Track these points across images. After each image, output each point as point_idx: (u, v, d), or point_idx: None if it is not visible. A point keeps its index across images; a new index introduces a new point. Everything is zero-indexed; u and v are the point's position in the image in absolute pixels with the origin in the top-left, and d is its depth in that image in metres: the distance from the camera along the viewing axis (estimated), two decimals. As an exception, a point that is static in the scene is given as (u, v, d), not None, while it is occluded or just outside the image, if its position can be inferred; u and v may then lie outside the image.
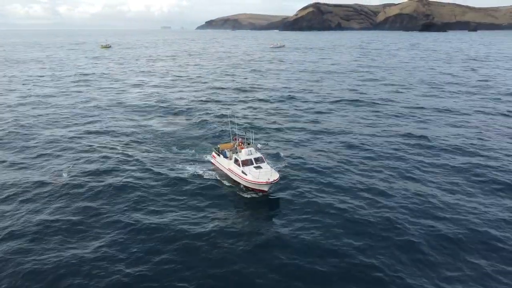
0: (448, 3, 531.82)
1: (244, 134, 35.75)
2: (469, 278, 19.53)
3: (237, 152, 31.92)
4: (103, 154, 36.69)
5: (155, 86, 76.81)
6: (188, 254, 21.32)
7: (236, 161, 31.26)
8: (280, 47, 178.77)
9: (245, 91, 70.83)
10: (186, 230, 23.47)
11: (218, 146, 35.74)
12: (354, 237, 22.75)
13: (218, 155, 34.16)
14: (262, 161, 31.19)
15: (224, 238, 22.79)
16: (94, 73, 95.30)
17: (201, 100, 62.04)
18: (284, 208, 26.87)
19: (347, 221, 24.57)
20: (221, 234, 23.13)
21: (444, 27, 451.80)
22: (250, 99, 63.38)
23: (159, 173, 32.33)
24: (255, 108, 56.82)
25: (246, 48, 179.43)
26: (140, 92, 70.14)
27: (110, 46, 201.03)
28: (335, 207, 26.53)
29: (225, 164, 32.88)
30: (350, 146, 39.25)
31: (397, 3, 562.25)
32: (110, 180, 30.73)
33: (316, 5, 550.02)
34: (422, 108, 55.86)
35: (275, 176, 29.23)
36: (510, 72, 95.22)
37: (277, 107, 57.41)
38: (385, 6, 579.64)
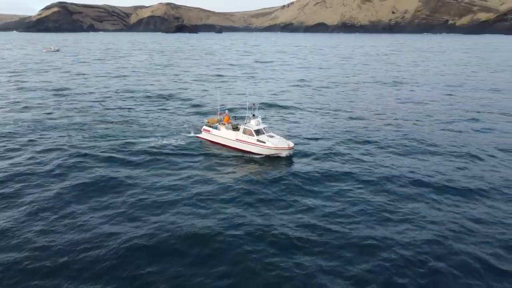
0: (194, 8, 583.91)
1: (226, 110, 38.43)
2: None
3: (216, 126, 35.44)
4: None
5: None
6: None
7: (245, 131, 33.12)
8: (55, 51, 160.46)
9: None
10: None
11: (207, 120, 37.23)
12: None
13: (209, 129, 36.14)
14: (267, 131, 33.58)
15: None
16: None
17: None
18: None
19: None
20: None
21: (194, 28, 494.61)
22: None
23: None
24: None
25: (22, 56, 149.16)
26: None
27: None
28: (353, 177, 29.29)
29: (230, 136, 34.42)
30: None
31: (148, 5, 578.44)
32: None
33: (61, 5, 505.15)
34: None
35: (291, 142, 32.36)
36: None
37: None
38: (136, 8, 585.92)
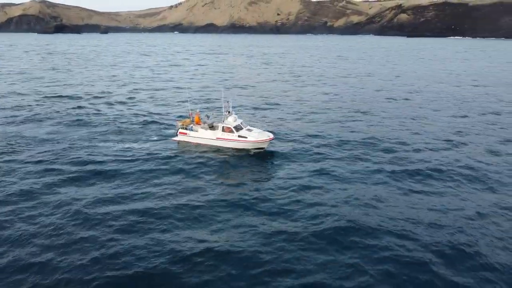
0: (74, 6, 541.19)
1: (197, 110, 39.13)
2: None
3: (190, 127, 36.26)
4: None
5: None
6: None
7: (224, 129, 34.20)
8: None
9: None
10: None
11: (180, 123, 37.33)
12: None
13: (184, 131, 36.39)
14: (244, 126, 34.83)
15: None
16: None
17: None
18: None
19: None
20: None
21: (76, 29, 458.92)
22: None
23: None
24: None
25: None
26: None
27: None
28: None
29: (210, 136, 35.24)
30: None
31: (17, 3, 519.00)
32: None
33: None
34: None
35: (270, 134, 34.24)
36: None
37: None
38: (4, 5, 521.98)
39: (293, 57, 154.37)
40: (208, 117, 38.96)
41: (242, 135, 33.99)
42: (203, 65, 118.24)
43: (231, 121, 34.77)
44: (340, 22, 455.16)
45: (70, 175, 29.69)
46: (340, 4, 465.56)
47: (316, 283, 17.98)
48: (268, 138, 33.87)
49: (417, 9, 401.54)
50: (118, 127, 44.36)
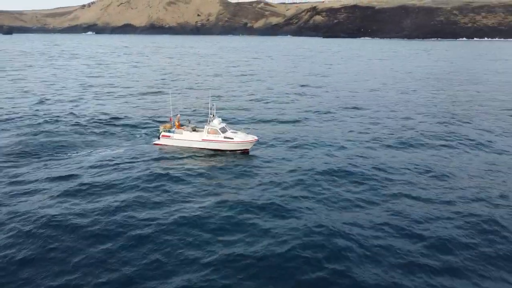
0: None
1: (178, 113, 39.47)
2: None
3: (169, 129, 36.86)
4: None
5: None
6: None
7: (210, 131, 35.20)
8: None
9: None
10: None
11: (161, 127, 37.62)
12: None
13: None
14: (228, 129, 36.26)
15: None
16: None
17: None
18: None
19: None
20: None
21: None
22: None
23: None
24: None
25: None
26: None
27: None
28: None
29: (195, 138, 35.95)
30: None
31: None
32: None
33: None
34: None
35: (254, 136, 35.95)
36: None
37: None
38: None
39: (228, 57, 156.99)
40: (189, 121, 39.60)
41: (228, 136, 35.20)
42: (143, 66, 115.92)
43: (216, 123, 35.82)
44: (260, 23, 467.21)
45: (43, 189, 27.79)
46: (259, 6, 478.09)
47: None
48: (253, 139, 35.46)
49: (331, 11, 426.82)
50: (82, 133, 42.93)
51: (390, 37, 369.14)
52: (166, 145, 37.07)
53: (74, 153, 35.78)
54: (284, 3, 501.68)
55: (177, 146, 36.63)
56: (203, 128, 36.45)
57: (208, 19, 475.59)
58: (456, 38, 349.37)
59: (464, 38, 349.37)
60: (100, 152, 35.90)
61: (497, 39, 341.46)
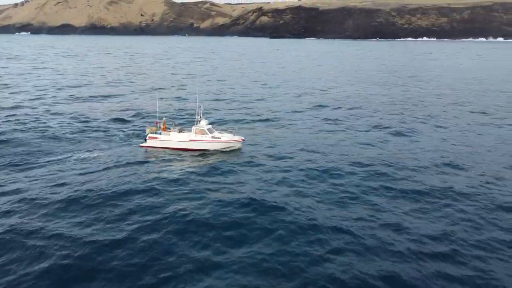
0: None
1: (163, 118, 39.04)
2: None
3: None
4: None
5: None
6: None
7: (197, 131, 35.97)
8: None
9: None
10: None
11: (148, 130, 37.90)
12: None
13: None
14: (215, 129, 37.25)
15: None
16: None
17: None
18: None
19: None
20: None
21: None
22: None
23: None
24: None
25: None
26: None
27: None
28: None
29: (183, 138, 36.52)
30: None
31: None
32: None
33: None
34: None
35: (241, 136, 37.32)
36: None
37: None
38: None
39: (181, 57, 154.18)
40: (174, 124, 40.04)
41: (216, 136, 36.31)
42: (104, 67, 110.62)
43: (204, 124, 36.76)
44: (206, 23, 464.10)
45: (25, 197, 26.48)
46: (205, 6, 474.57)
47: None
48: (240, 139, 36.78)
49: (276, 12, 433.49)
50: (56, 136, 41.37)
51: (333, 38, 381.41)
52: (153, 146, 37.42)
53: (52, 158, 34.37)
54: (230, 4, 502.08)
55: (164, 147, 37.09)
56: (189, 129, 37.38)
57: (152, 19, 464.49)
58: (394, 39, 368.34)
59: (403, 39, 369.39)
60: (80, 156, 35.03)
61: (426, 39, 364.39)
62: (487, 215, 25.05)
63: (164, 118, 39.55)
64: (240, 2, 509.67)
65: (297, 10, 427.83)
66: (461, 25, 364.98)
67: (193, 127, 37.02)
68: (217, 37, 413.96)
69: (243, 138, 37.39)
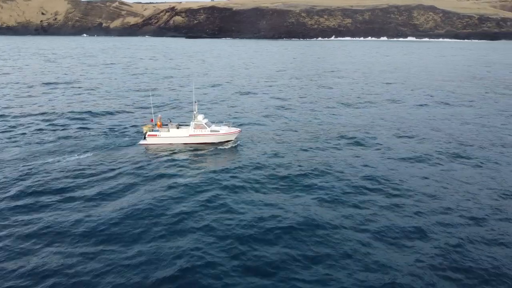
0: None
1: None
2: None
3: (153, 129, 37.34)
4: None
5: None
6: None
7: (196, 126, 37.03)
8: None
9: None
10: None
11: (145, 128, 37.82)
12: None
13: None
14: (210, 124, 38.38)
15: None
16: None
17: None
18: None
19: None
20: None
21: None
22: None
23: None
24: None
25: None
26: None
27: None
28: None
29: (183, 134, 37.24)
30: None
31: None
32: None
33: None
34: None
35: (237, 128, 38.80)
36: None
37: None
38: None
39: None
40: (170, 120, 40.16)
41: (214, 129, 37.60)
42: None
43: (201, 118, 37.84)
44: (116, 23, 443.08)
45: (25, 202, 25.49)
46: (113, 5, 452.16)
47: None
48: (237, 130, 38.30)
49: (190, 12, 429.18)
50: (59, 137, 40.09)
51: (248, 37, 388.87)
52: (153, 144, 37.27)
53: (57, 159, 33.40)
54: (140, 3, 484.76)
55: (164, 144, 37.14)
56: (186, 124, 38.43)
57: (55, 18, 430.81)
58: (305, 38, 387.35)
59: (314, 38, 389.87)
60: (78, 156, 34.12)
61: (334, 38, 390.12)
62: None
63: (160, 115, 39.66)
64: (152, 1, 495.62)
65: (211, 10, 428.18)
66: (363, 25, 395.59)
67: (191, 122, 38.16)
68: (129, 37, 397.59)
69: (240, 129, 38.89)
